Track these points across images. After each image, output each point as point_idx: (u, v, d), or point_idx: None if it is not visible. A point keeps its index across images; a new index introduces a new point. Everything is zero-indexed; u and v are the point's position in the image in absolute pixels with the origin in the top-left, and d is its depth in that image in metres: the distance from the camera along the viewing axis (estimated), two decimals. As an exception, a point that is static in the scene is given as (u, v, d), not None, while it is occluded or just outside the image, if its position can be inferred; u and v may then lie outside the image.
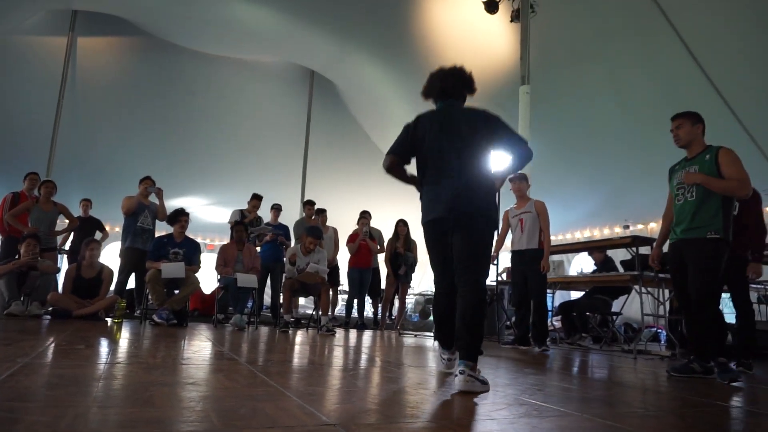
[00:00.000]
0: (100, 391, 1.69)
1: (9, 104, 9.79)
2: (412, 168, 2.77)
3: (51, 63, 9.59)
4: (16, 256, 5.49)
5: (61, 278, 5.92)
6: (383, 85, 10.13)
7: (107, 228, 7.61)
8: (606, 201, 9.12)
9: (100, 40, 10.20)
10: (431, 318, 6.59)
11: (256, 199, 7.34)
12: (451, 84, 2.73)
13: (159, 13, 9.13)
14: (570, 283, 6.86)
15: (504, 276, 8.40)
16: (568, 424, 1.63)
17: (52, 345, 2.89)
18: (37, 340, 3.11)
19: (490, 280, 7.22)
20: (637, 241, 5.35)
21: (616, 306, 6.36)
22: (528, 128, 6.18)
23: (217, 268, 6.00)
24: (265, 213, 7.49)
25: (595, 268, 6.86)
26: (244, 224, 6.29)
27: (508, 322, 6.69)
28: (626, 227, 9.03)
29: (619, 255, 6.54)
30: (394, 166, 2.69)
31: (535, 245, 5.25)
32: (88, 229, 6.97)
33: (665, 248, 3.68)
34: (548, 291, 6.37)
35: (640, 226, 8.80)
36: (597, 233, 9.68)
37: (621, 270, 6.10)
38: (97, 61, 10.30)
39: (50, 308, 5.20)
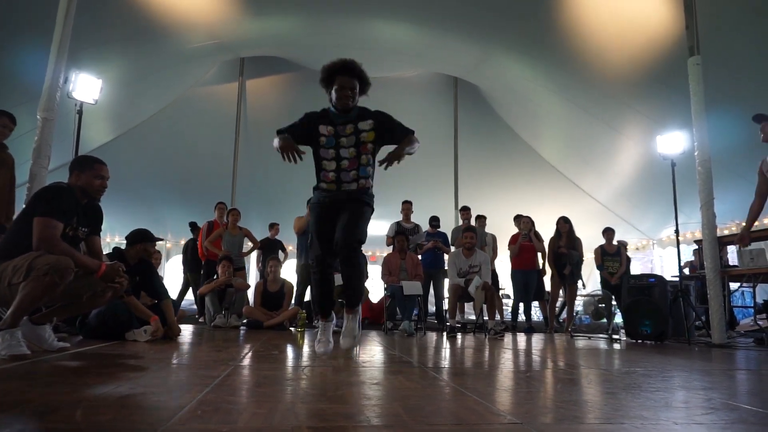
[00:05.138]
0: (299, 389, 1.88)
1: (197, 146, 11.39)
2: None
3: (226, 106, 10.97)
4: (215, 276, 6.33)
5: (250, 294, 6.68)
6: (529, 80, 9.80)
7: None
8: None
9: (265, 80, 11.43)
10: (604, 320, 6.15)
11: (407, 203, 7.42)
12: None
13: (309, 46, 9.94)
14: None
15: (688, 270, 7.53)
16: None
17: (252, 351, 3.27)
18: (240, 347, 3.56)
19: (673, 274, 6.52)
20: None
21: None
22: (702, 103, 5.49)
23: (383, 278, 6.29)
24: (421, 220, 7.63)
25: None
26: (405, 234, 6.51)
27: (698, 322, 5.96)
28: None
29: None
30: None
31: None
32: (274, 250, 7.77)
33: None
34: (748, 284, 5.57)
35: None
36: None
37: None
38: (263, 98, 11.56)
39: (245, 320, 5.91)
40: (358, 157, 3.09)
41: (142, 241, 4.08)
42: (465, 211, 7.52)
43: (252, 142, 11.24)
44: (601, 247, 7.33)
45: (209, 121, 11.28)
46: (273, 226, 8.24)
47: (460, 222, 7.75)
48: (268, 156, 11.70)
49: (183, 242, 13.14)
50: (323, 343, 3.13)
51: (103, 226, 3.19)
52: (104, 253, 3.54)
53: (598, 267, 7.30)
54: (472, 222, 7.46)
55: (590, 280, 11.79)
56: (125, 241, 4.19)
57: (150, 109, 10.69)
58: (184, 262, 8.26)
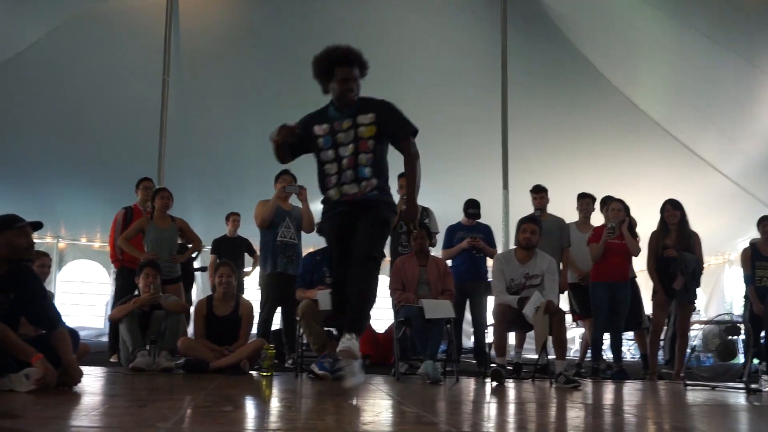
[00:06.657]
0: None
1: (104, 93, 11.31)
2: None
3: (149, 31, 10.84)
4: (135, 293, 6.33)
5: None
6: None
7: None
8: None
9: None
10: (738, 359, 6.11)
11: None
12: None
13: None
14: None
15: None
16: None
17: (192, 407, 3.27)
18: (174, 400, 3.57)
19: None
20: None
21: None
22: None
23: (392, 295, 6.24)
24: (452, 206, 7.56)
25: None
26: (426, 226, 6.46)
27: None
28: None
29: None
30: None
31: None
32: (235, 253, 7.78)
33: None
34: None
35: None
36: None
37: None
38: (205, 18, 11.45)
39: (181, 359, 5.90)
40: (356, 155, 3.96)
41: (3, 230, 3.92)
42: (539, 193, 7.39)
43: (188, 85, 11.17)
44: (753, 246, 7.23)
45: (122, 53, 11.20)
46: (230, 218, 8.26)
47: (532, 208, 7.53)
48: (215, 107, 11.70)
49: (84, 240, 13.24)
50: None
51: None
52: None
53: (746, 278, 7.22)
54: (557, 208, 7.32)
55: (714, 298, 11.80)
56: None
57: (29, 36, 10.63)
58: None
